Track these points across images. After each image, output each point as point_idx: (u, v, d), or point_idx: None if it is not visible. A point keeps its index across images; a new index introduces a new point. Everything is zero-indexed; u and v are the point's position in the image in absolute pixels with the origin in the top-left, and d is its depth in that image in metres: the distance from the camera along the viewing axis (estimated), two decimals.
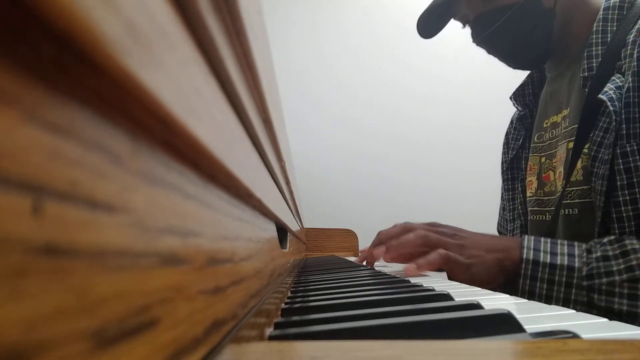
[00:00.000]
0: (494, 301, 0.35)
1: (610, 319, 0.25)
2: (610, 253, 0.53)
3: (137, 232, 0.10)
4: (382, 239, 0.67)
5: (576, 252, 0.56)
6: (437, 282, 0.52)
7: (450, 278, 0.70)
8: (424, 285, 0.43)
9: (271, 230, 0.41)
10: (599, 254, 0.54)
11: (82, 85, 0.09)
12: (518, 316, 0.24)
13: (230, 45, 0.17)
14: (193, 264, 0.14)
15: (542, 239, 0.60)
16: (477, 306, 0.29)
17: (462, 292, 0.41)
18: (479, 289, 0.44)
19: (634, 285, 0.50)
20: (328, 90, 1.97)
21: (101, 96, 0.09)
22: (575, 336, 0.21)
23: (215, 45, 0.15)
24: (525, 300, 0.35)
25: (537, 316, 0.28)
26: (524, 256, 0.58)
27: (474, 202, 1.85)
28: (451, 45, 1.86)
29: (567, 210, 0.69)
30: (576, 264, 0.55)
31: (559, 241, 0.59)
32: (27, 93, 0.07)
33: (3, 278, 0.06)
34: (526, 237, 0.61)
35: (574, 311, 0.29)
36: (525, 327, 0.24)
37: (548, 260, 0.57)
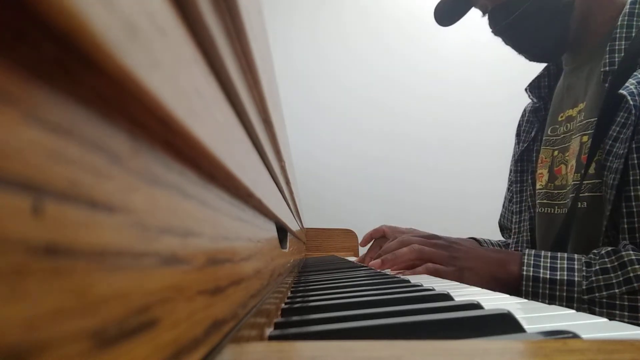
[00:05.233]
0: (494, 301, 0.35)
1: None
2: (609, 265, 0.54)
3: (137, 232, 0.10)
4: (381, 252, 0.70)
5: (576, 266, 0.57)
6: (438, 282, 0.52)
7: None
8: (424, 285, 0.43)
9: (271, 230, 0.41)
10: (597, 267, 0.55)
11: (82, 85, 0.09)
12: (518, 316, 0.24)
13: (230, 45, 0.17)
14: (193, 264, 0.14)
15: (542, 254, 0.60)
16: (477, 306, 0.28)
17: (462, 292, 0.41)
18: (479, 289, 0.44)
19: (633, 297, 0.51)
20: (328, 91, 1.97)
21: (101, 96, 0.09)
22: (575, 336, 0.21)
23: (215, 45, 0.15)
24: (526, 300, 0.35)
25: (537, 316, 0.28)
26: (524, 273, 0.59)
27: (474, 202, 1.85)
28: (452, 45, 1.87)
29: (577, 204, 0.69)
30: (576, 278, 0.56)
31: (559, 255, 0.60)
32: (27, 93, 0.07)
33: (3, 278, 0.06)
34: (527, 251, 0.61)
35: (573, 311, 0.29)
36: (526, 327, 0.24)
37: (548, 276, 0.57)
